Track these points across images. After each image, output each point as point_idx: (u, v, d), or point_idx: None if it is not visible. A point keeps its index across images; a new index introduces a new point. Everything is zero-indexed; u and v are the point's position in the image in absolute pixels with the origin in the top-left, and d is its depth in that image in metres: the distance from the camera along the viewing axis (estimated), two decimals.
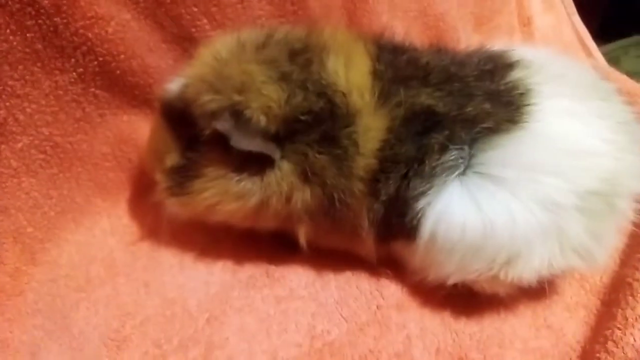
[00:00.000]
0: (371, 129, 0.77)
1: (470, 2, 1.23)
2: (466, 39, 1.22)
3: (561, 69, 0.84)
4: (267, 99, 0.76)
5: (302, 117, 0.77)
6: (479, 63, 0.83)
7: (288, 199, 0.80)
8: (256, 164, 0.79)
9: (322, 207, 0.80)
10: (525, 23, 1.31)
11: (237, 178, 0.80)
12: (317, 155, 0.78)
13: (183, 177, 0.83)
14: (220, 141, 0.77)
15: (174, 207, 0.86)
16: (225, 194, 0.81)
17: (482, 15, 1.27)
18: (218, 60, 0.80)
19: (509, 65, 0.82)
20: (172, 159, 0.85)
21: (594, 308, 0.87)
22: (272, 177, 0.79)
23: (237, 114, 0.75)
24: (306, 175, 0.78)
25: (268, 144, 0.77)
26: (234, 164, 0.80)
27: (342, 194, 0.79)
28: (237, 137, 0.75)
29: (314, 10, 1.04)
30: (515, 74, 0.80)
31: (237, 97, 0.76)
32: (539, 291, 0.86)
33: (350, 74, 0.79)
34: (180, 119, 0.82)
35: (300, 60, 0.79)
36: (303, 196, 0.80)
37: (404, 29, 1.07)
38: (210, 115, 0.77)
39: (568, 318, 0.86)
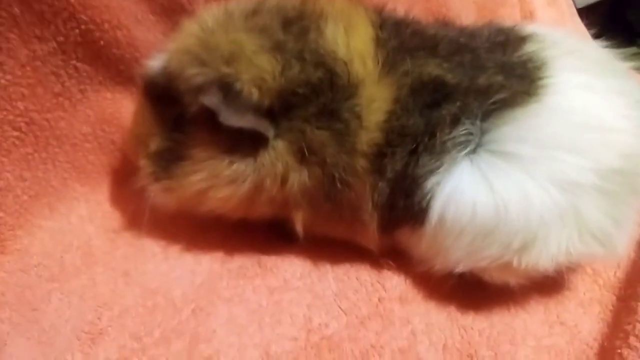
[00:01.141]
0: (375, 99, 0.73)
1: None
2: None
3: (575, 45, 0.81)
4: (259, 70, 0.70)
5: (299, 90, 0.72)
6: (490, 36, 0.80)
7: (283, 182, 0.75)
8: (248, 143, 0.73)
9: (321, 189, 0.75)
10: (528, 17, 1.29)
11: (228, 160, 0.74)
12: (316, 131, 0.72)
13: (168, 160, 0.78)
14: (208, 119, 0.72)
15: (158, 193, 0.80)
16: (216, 178, 0.75)
17: (485, 7, 1.25)
18: (204, 31, 0.75)
19: (522, 38, 0.79)
20: (156, 142, 0.79)
21: (609, 304, 0.83)
22: (266, 157, 0.73)
23: (226, 87, 0.70)
24: (303, 154, 0.73)
25: (261, 120, 0.72)
26: (225, 145, 0.74)
27: (343, 172, 0.74)
28: (226, 113, 0.70)
29: None
30: (529, 47, 0.77)
31: (225, 69, 0.70)
32: (549, 286, 0.83)
33: (351, 41, 0.74)
34: (163, 97, 0.77)
35: (295, 29, 0.74)
36: (300, 178, 0.74)
37: (405, 13, 1.02)
38: (197, 90, 0.72)
39: (582, 314, 0.82)
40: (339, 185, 0.74)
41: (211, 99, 0.70)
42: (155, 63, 0.79)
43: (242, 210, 0.80)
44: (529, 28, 0.82)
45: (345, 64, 0.72)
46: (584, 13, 1.79)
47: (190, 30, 0.76)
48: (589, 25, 1.57)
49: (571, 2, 1.49)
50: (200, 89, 0.71)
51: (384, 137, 0.73)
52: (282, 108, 0.72)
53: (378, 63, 0.73)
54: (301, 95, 0.72)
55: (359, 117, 0.72)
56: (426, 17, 1.10)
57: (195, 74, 0.71)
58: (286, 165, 0.73)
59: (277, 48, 0.72)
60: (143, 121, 0.82)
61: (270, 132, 0.72)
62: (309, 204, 0.77)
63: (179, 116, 0.76)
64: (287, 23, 0.74)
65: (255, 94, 0.70)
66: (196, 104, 0.72)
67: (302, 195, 0.76)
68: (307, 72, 0.72)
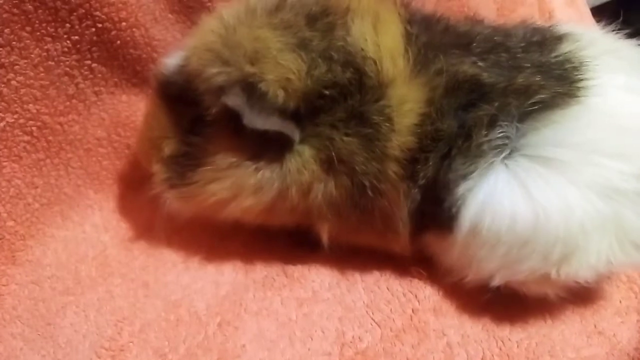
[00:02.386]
0: (407, 100, 0.69)
1: None
2: None
3: (612, 44, 0.78)
4: (286, 69, 0.67)
5: (326, 92, 0.68)
6: (525, 35, 0.76)
7: (307, 191, 0.71)
8: (273, 148, 0.70)
9: (349, 199, 0.72)
10: (547, 17, 1.25)
11: (254, 167, 0.70)
12: (345, 139, 0.69)
13: (184, 166, 0.74)
14: (229, 122, 0.69)
15: (174, 201, 0.77)
16: (241, 187, 0.71)
17: (504, 6, 1.22)
18: (225, 27, 0.71)
19: (558, 38, 0.76)
20: (171, 145, 0.76)
21: None
22: (292, 163, 0.70)
23: (250, 88, 0.66)
24: (331, 164, 0.70)
25: (286, 123, 0.68)
26: (249, 150, 0.70)
27: (375, 180, 0.70)
28: (250, 115, 0.66)
29: None
30: (565, 47, 0.73)
31: (249, 68, 0.67)
32: (584, 295, 0.80)
33: (380, 37, 0.71)
34: (180, 98, 0.73)
35: (320, 26, 0.70)
36: (325, 189, 0.71)
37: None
38: (218, 91, 0.68)
39: (620, 323, 0.79)
40: (370, 193, 0.70)
41: (234, 100, 0.66)
42: (172, 61, 0.75)
43: (262, 218, 0.76)
44: (564, 27, 0.79)
45: (375, 62, 0.69)
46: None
47: (210, 27, 0.72)
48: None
49: (586, 3, 1.47)
50: (222, 90, 0.67)
51: (417, 142, 0.69)
52: (308, 111, 0.69)
53: (409, 61, 0.70)
54: (328, 97, 0.68)
55: (389, 119, 0.68)
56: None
57: (216, 74, 0.67)
58: (312, 174, 0.70)
59: (303, 46, 0.68)
60: (156, 123, 0.78)
61: (296, 135, 0.69)
62: (334, 214, 0.73)
63: (197, 118, 0.72)
64: (312, 19, 0.70)
65: (281, 95, 0.66)
66: (217, 105, 0.68)
67: (327, 205, 0.72)
68: (335, 72, 0.68)
